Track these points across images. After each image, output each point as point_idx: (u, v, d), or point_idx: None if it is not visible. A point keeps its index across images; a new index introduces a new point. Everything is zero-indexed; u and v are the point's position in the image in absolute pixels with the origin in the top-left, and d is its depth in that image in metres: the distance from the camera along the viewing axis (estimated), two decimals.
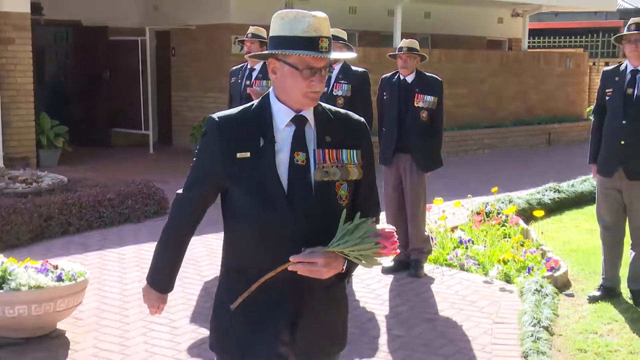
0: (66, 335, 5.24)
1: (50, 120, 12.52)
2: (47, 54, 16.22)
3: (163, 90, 15.27)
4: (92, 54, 14.77)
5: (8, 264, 5.08)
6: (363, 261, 2.49)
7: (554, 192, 9.73)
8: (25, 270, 5.05)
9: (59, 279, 5.07)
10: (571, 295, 6.12)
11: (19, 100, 11.63)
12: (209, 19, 14.10)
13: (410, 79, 6.59)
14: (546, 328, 5.23)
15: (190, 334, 5.29)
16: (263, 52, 2.72)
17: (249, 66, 7.30)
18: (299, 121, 2.55)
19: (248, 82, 7.19)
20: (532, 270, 6.50)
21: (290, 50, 2.46)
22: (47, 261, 5.31)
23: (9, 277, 4.95)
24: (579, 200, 9.54)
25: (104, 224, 8.30)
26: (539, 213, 8.81)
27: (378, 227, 2.50)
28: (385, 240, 2.46)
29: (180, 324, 5.48)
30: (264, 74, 7.16)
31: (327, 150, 2.54)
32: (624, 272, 6.04)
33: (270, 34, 2.55)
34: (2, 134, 11.36)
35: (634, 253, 5.93)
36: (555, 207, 9.42)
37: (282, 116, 2.55)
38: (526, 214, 8.76)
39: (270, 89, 2.64)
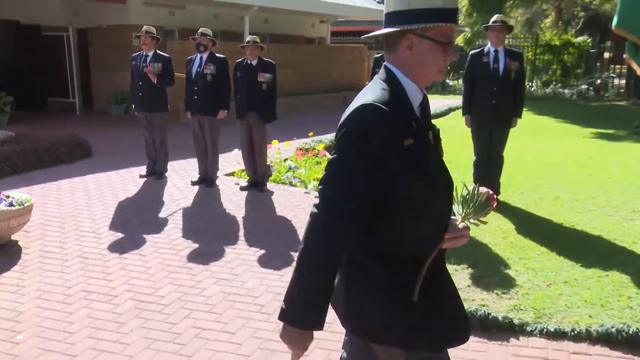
0: (19, 244, 4.89)
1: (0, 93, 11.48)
2: None
3: (84, 70, 14.25)
4: (30, 45, 13.59)
5: None
6: (482, 222, 1.87)
7: None
8: None
9: (11, 205, 4.74)
10: None
11: None
12: (115, 20, 13.27)
13: (254, 62, 6.49)
14: None
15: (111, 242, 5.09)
16: (398, 28, 1.64)
17: (144, 53, 7.04)
18: (425, 99, 1.74)
19: (144, 64, 6.97)
20: None
21: (435, 23, 1.62)
22: (1, 193, 4.95)
23: None
24: None
25: (43, 165, 7.71)
26: None
27: (482, 190, 1.84)
28: (493, 199, 1.85)
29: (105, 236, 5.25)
30: (155, 58, 7.01)
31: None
32: None
33: (400, 8, 1.65)
34: None
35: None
36: None
37: (415, 96, 1.69)
38: (331, 149, 8.97)
39: (393, 69, 1.70)
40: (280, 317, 1.67)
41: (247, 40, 6.55)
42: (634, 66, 4.93)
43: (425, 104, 1.73)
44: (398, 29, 1.65)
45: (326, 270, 1.60)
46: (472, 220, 1.82)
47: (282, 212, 5.91)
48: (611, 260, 4.35)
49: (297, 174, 7.21)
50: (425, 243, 1.70)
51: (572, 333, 3.30)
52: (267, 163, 6.98)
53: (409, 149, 1.61)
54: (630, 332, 3.20)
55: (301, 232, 5.19)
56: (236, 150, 8.12)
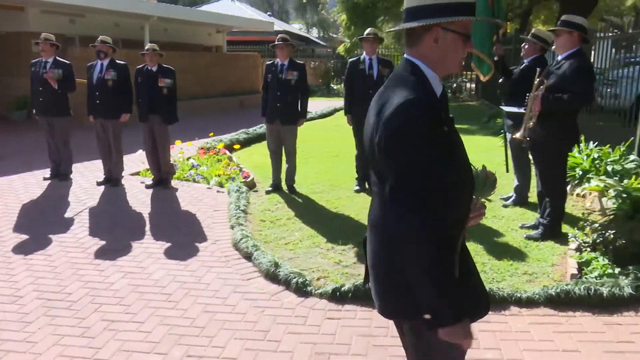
0: None
1: None
2: None
3: None
4: None
5: None
6: (488, 200, 1.82)
7: (245, 134, 9.85)
8: None
9: None
10: (257, 191, 6.31)
11: None
12: (14, 27, 12.05)
13: (154, 69, 6.17)
14: (244, 210, 5.35)
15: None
16: (426, 22, 1.54)
17: (44, 59, 6.46)
18: (444, 90, 1.66)
19: (44, 70, 6.39)
20: (235, 179, 6.59)
21: (460, 16, 1.54)
22: None
23: None
24: (260, 138, 9.67)
25: None
26: (236, 146, 8.92)
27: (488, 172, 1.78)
28: (496, 180, 1.79)
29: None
30: (55, 64, 6.46)
31: None
32: (282, 175, 6.32)
33: (426, 3, 1.55)
34: None
35: (287, 165, 6.23)
36: (246, 142, 9.53)
37: (437, 87, 1.61)
38: (229, 148, 8.81)
39: (417, 61, 1.60)
40: (435, 325, 1.49)
41: (146, 47, 6.22)
42: (478, 72, 5.31)
43: (444, 94, 1.65)
44: (426, 22, 1.55)
45: (445, 257, 1.47)
46: (481, 200, 1.78)
47: (187, 207, 5.69)
48: (469, 233, 4.62)
49: (200, 171, 6.98)
50: (460, 222, 1.63)
51: None
52: (171, 162, 6.69)
53: (447, 136, 1.55)
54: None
55: (206, 224, 5.09)
56: (140, 150, 7.71)
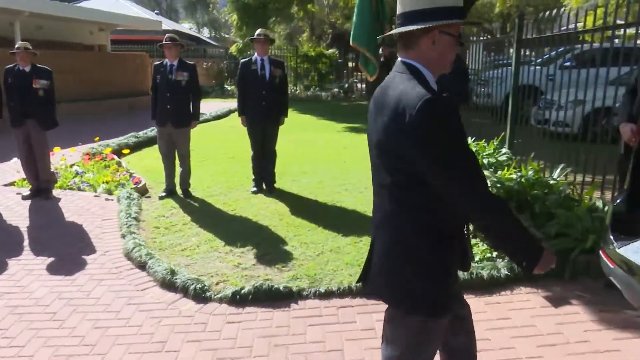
0: None
1: None
2: None
3: None
4: None
5: None
6: None
7: (135, 137, 9.37)
8: None
9: None
10: (149, 197, 6.04)
11: None
12: None
13: (27, 69, 5.65)
14: (135, 218, 5.09)
15: None
16: (426, 25, 1.60)
17: None
18: (440, 89, 1.68)
19: None
20: (125, 185, 6.24)
21: (457, 20, 1.61)
22: None
23: None
24: (151, 142, 9.25)
25: None
26: (126, 151, 8.47)
27: None
28: None
29: None
30: None
31: None
32: (177, 179, 6.11)
33: (425, 7, 1.60)
34: None
35: (181, 169, 6.03)
36: (136, 147, 9.06)
37: (434, 86, 1.65)
38: (118, 152, 8.33)
39: (415, 63, 1.65)
40: (529, 265, 1.64)
41: (17, 46, 5.68)
42: (365, 73, 5.53)
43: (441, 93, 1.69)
44: (426, 25, 1.60)
45: (512, 214, 1.61)
46: None
47: (72, 217, 5.29)
48: (364, 228, 4.81)
49: (85, 179, 6.53)
50: (463, 218, 1.73)
51: (338, 291, 3.57)
52: (51, 170, 6.18)
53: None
54: None
55: (94, 234, 4.76)
56: (15, 158, 7.04)
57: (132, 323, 3.25)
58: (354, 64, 20.22)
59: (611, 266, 2.25)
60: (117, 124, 12.09)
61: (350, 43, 5.24)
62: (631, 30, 4.32)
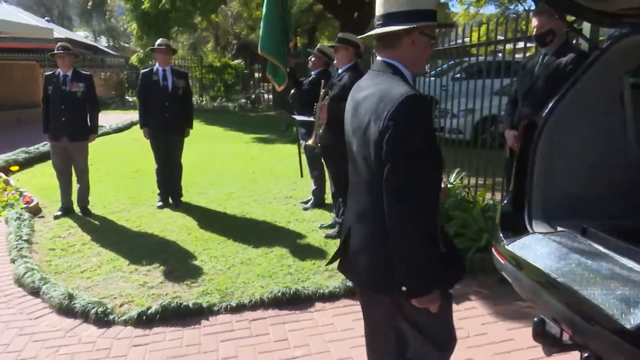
0: None
1: None
2: None
3: None
4: None
5: None
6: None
7: (25, 153, 8.64)
8: None
9: None
10: (43, 217, 5.59)
11: None
12: None
13: None
14: (27, 240, 4.69)
15: None
16: (409, 26, 1.66)
17: None
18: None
19: None
20: (14, 205, 5.73)
21: (434, 21, 1.70)
22: None
23: None
24: (43, 157, 8.57)
25: None
26: (14, 168, 7.80)
27: None
28: None
29: None
30: None
31: None
32: (74, 197, 5.72)
33: (415, 8, 1.67)
34: None
35: (79, 185, 5.66)
36: (27, 163, 8.36)
37: (413, 85, 1.73)
38: (6, 170, 7.64)
39: (395, 63, 1.73)
40: (408, 294, 1.65)
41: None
42: (273, 83, 5.54)
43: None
44: (410, 26, 1.67)
45: (423, 241, 1.62)
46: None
47: None
48: (274, 238, 4.80)
49: None
50: (438, 200, 1.74)
51: (250, 303, 3.52)
52: None
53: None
54: (292, 293, 3.58)
55: None
56: None
57: (25, 355, 2.98)
58: (260, 74, 20.20)
59: (502, 262, 2.42)
60: (3, 138, 11.08)
61: (259, 52, 5.23)
62: (510, 46, 4.72)
